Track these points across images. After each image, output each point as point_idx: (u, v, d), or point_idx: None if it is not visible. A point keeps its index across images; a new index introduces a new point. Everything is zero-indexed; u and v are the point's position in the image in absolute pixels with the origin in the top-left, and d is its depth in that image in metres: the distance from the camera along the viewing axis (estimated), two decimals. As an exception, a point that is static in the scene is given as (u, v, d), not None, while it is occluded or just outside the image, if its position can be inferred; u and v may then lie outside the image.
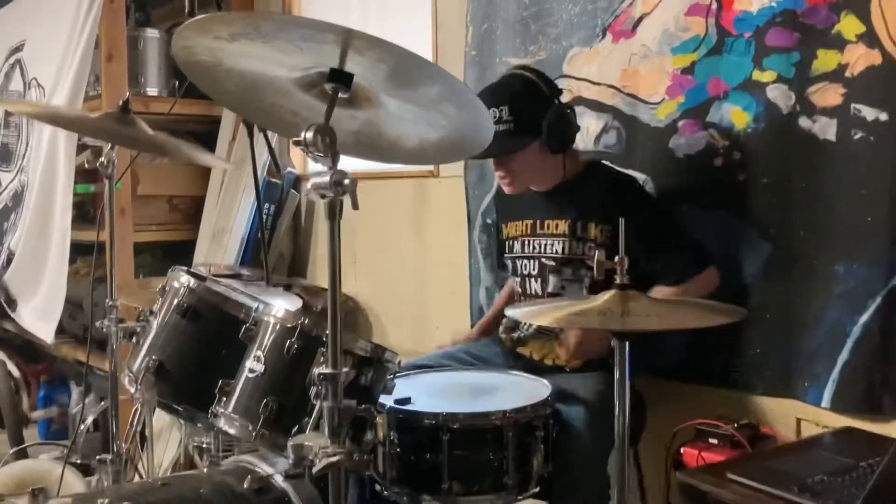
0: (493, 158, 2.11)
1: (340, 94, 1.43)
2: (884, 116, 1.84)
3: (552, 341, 2.14)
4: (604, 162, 2.25)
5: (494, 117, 1.99)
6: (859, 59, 1.87)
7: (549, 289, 2.16)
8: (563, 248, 2.13)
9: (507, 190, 2.18)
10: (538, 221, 2.20)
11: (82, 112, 2.79)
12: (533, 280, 2.21)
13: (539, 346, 2.19)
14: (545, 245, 2.18)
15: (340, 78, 1.42)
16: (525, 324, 2.08)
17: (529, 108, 2.03)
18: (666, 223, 2.09)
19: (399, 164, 2.53)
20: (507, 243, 2.30)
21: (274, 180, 3.63)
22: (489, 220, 2.74)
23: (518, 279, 2.27)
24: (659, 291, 2.01)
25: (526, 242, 2.23)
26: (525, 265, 2.23)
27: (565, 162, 2.13)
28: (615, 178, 2.17)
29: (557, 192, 2.17)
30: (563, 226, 2.14)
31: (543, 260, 2.17)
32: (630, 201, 2.06)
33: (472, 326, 2.86)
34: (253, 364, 1.68)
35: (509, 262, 2.30)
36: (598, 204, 2.08)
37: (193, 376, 1.80)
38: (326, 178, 1.35)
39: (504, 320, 2.09)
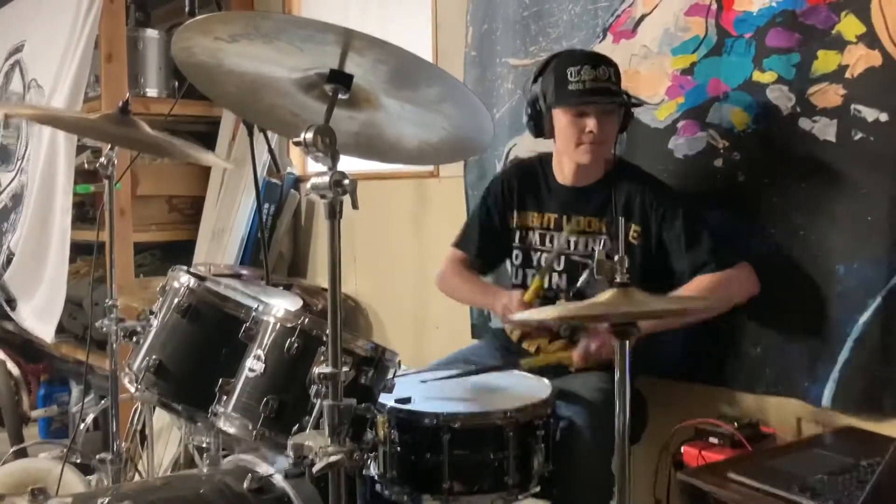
0: (600, 110, 2.07)
1: (340, 95, 1.43)
2: (884, 117, 1.84)
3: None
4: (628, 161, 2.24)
5: (604, 76, 2.04)
6: (859, 59, 1.87)
7: (578, 285, 2.12)
8: (604, 246, 2.11)
9: (585, 158, 2.10)
10: (565, 216, 2.18)
11: (81, 114, 2.78)
12: (556, 276, 2.19)
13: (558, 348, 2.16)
14: (577, 242, 2.16)
15: (340, 79, 1.42)
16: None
17: (619, 78, 2.10)
18: (702, 217, 2.09)
19: (399, 165, 2.53)
20: (517, 233, 2.26)
21: (274, 180, 3.63)
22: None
23: (531, 271, 2.23)
24: (701, 280, 2.00)
25: (548, 236, 2.20)
26: (545, 259, 2.21)
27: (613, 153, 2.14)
28: (647, 179, 2.15)
29: (590, 189, 2.16)
30: (599, 224, 2.14)
31: (574, 257, 2.15)
32: (668, 201, 2.07)
33: (472, 327, 2.87)
34: (253, 363, 1.68)
35: (519, 253, 2.27)
36: (633, 203, 2.09)
37: (194, 375, 1.81)
38: (326, 179, 1.35)
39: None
